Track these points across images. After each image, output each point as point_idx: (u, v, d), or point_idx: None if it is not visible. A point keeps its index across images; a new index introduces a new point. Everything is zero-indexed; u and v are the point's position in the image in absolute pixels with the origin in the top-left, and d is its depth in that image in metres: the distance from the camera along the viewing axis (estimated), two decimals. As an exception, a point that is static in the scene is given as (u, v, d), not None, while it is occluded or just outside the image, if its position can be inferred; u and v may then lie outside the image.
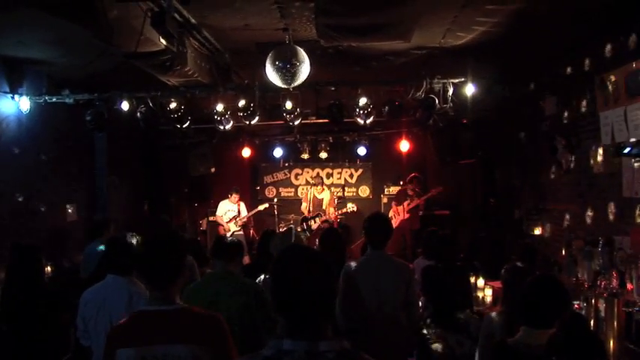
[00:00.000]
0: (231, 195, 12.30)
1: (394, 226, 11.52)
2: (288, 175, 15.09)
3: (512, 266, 4.49)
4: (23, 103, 8.05)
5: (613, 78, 6.01)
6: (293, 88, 7.33)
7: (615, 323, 4.64)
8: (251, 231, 13.15)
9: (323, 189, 12.74)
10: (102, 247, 5.56)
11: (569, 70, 7.48)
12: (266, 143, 14.40)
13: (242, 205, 12.47)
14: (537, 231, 8.72)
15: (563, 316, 3.05)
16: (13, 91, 8.01)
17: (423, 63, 8.12)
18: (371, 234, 5.03)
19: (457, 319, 4.85)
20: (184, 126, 8.97)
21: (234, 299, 4.33)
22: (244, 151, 14.13)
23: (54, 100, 8.38)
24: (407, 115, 9.60)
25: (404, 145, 13.33)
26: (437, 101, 7.94)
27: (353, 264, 4.96)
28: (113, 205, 10.66)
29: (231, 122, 9.03)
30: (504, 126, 10.16)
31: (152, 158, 12.82)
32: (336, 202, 12.99)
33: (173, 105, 8.54)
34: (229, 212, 12.30)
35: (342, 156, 14.77)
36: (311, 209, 12.48)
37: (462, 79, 7.91)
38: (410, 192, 12.08)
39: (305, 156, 14.28)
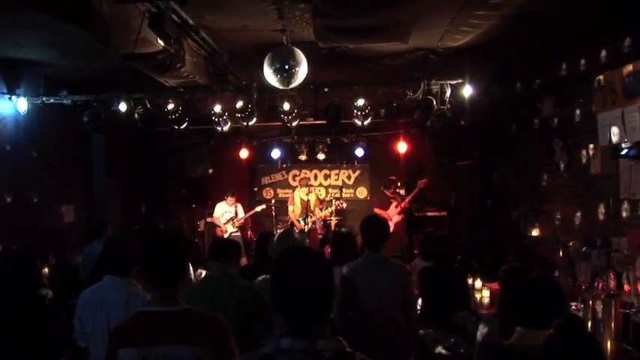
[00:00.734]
0: (227, 197, 12.29)
1: (391, 230, 11.67)
2: (286, 177, 15.09)
3: (509, 267, 4.50)
4: (21, 104, 8.03)
5: (610, 80, 6.03)
6: (291, 89, 7.33)
7: (612, 324, 4.64)
8: (248, 232, 13.15)
9: (309, 190, 12.65)
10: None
11: (566, 71, 7.49)
12: (264, 144, 14.40)
13: (239, 206, 12.47)
14: (535, 232, 8.73)
15: (560, 317, 3.05)
16: (11, 92, 7.99)
17: (421, 64, 8.12)
18: (368, 236, 5.03)
19: (455, 321, 4.85)
20: (182, 127, 8.97)
21: (231, 300, 4.33)
22: (242, 152, 14.13)
23: (51, 101, 8.36)
24: (404, 117, 9.61)
25: (401, 147, 13.33)
26: (434, 103, 7.94)
27: (351, 266, 4.96)
28: (111, 206, 10.65)
29: (229, 123, 9.01)
30: (502, 127, 10.16)
31: (150, 159, 12.81)
32: (320, 203, 12.92)
33: (171, 106, 8.53)
34: (226, 214, 12.30)
35: (339, 157, 14.78)
36: (297, 212, 12.40)
37: (460, 81, 7.91)
38: (390, 194, 12.06)
39: (303, 157, 14.30)
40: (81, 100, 8.41)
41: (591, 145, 6.74)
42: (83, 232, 9.48)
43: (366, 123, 8.56)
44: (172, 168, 13.28)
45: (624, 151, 5.62)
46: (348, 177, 15.01)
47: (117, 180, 11.00)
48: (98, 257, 5.19)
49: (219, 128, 9.03)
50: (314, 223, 12.28)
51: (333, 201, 13.10)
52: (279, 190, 15.01)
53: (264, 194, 14.99)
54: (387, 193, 12.11)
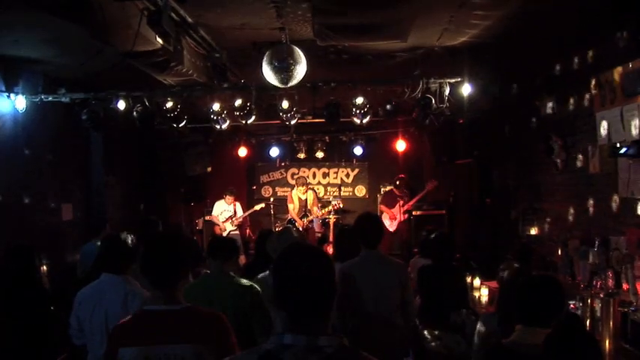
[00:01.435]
0: (226, 196, 12.29)
1: (393, 229, 11.70)
2: (285, 175, 15.10)
3: (508, 266, 4.50)
4: (19, 102, 8.01)
5: (609, 78, 6.02)
6: (289, 87, 7.32)
7: (611, 323, 4.64)
8: (247, 231, 13.14)
9: (307, 189, 12.63)
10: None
11: (565, 70, 7.49)
12: (262, 143, 14.39)
13: (238, 205, 12.46)
14: (533, 231, 8.73)
15: (559, 316, 3.05)
16: (9, 90, 7.97)
17: (420, 63, 8.12)
18: (364, 234, 5.01)
19: (453, 319, 4.86)
20: (180, 125, 8.97)
21: (229, 299, 4.33)
22: (241, 150, 14.13)
23: (50, 99, 8.36)
24: (403, 115, 9.62)
25: (400, 145, 13.34)
26: (433, 101, 7.94)
27: (348, 264, 4.95)
28: (109, 204, 10.65)
29: (228, 122, 9.01)
30: (500, 126, 10.16)
31: (148, 157, 12.81)
32: (318, 201, 12.91)
33: (169, 104, 8.53)
34: (225, 212, 12.29)
35: (338, 156, 14.79)
36: (296, 211, 12.39)
37: (459, 79, 7.91)
38: (398, 193, 12.05)
39: (301, 156, 14.30)
40: (79, 98, 8.40)
41: (590, 144, 6.74)
42: (82, 230, 9.50)
43: (364, 121, 8.57)
44: (171, 166, 13.27)
45: (623, 150, 5.61)
46: (347, 175, 15.02)
47: (115, 178, 11.00)
48: (96, 255, 5.18)
49: (218, 126, 9.03)
50: (311, 222, 12.27)
51: (331, 200, 13.09)
52: (277, 189, 15.02)
53: (262, 192, 15.00)
54: (396, 191, 12.10)
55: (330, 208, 12.59)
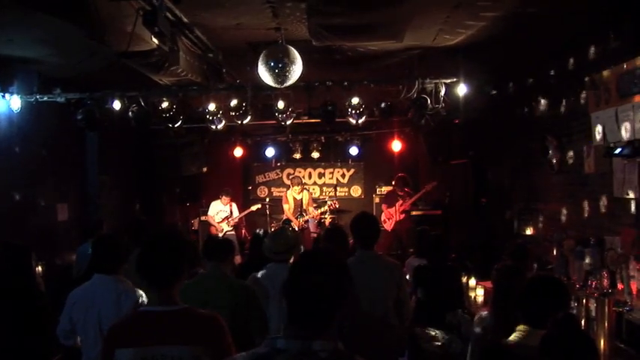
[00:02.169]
0: (222, 196, 12.28)
1: (390, 228, 11.69)
2: (280, 175, 15.09)
3: (503, 266, 4.50)
4: (14, 102, 7.99)
5: (604, 78, 6.04)
6: (285, 87, 7.32)
7: (606, 323, 4.65)
8: (243, 231, 13.13)
9: (302, 189, 12.60)
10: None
11: (560, 70, 7.51)
12: (258, 143, 14.39)
13: (234, 205, 12.45)
14: (529, 231, 8.75)
15: (554, 316, 3.05)
16: (4, 89, 7.94)
17: (416, 63, 8.13)
18: (360, 234, 5.01)
19: (449, 319, 4.86)
20: (176, 125, 8.95)
21: (225, 300, 4.33)
22: (236, 150, 14.12)
23: (45, 99, 8.33)
24: (399, 116, 9.61)
25: (396, 145, 13.35)
26: (429, 101, 7.95)
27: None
28: (104, 204, 10.62)
29: (223, 122, 9.00)
30: (496, 126, 10.18)
31: (144, 157, 12.77)
32: (314, 202, 12.89)
33: (165, 104, 8.52)
34: (221, 212, 12.28)
35: (334, 156, 14.79)
36: (291, 211, 12.37)
37: (454, 80, 7.92)
38: (400, 192, 12.05)
39: (297, 156, 14.29)
40: (75, 98, 8.38)
41: (585, 144, 6.76)
42: (77, 230, 9.47)
43: (360, 121, 8.57)
44: (166, 166, 13.21)
45: (618, 150, 5.63)
46: (343, 175, 15.02)
47: (111, 178, 10.97)
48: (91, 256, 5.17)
49: (214, 127, 9.02)
50: (306, 222, 12.26)
51: (327, 200, 13.08)
52: (273, 189, 15.01)
53: (258, 193, 14.99)
54: (398, 191, 12.08)
55: (326, 208, 12.58)
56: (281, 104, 8.36)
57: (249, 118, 8.60)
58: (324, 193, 14.79)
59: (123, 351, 2.86)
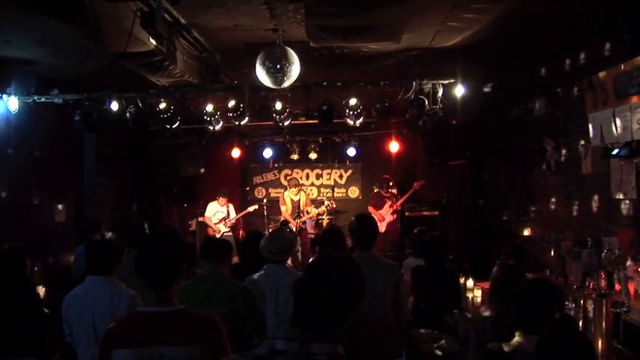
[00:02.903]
0: (219, 197, 12.28)
1: (383, 230, 11.68)
2: (278, 176, 15.07)
3: (500, 266, 4.51)
4: (12, 103, 7.98)
5: (601, 79, 6.05)
6: (283, 88, 7.32)
7: (603, 324, 4.67)
8: (240, 232, 13.11)
9: (299, 190, 12.58)
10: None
11: (557, 71, 7.52)
12: (255, 144, 14.37)
13: (231, 206, 12.45)
14: (526, 232, 8.76)
15: (551, 317, 3.05)
16: (2, 90, 7.94)
17: (413, 64, 8.13)
18: (358, 235, 5.01)
19: (447, 320, 4.86)
20: (174, 126, 8.96)
21: (223, 301, 4.33)
22: (234, 151, 14.09)
23: (43, 100, 8.32)
24: (396, 116, 9.62)
25: (393, 146, 13.34)
26: (426, 102, 7.96)
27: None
28: (102, 205, 10.62)
29: (221, 123, 9.00)
30: (493, 127, 10.20)
31: (141, 158, 12.76)
32: (311, 202, 12.86)
33: (162, 105, 8.51)
34: (218, 213, 12.28)
35: (331, 157, 14.76)
36: (289, 212, 12.35)
37: (452, 80, 7.93)
38: (385, 194, 12.05)
39: (294, 157, 14.26)
40: (72, 99, 8.37)
41: (582, 145, 6.77)
42: (74, 231, 9.47)
43: (358, 122, 8.57)
44: (164, 167, 13.19)
45: (615, 151, 5.65)
46: (340, 177, 15.01)
47: (108, 179, 10.97)
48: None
49: (211, 128, 9.02)
50: (304, 223, 12.24)
51: (325, 201, 13.07)
52: (270, 190, 14.98)
53: (255, 194, 14.96)
54: (383, 192, 12.09)
55: (324, 208, 12.57)
56: (278, 105, 8.36)
57: (246, 119, 8.59)
58: (321, 194, 14.76)
59: (120, 352, 2.86)
